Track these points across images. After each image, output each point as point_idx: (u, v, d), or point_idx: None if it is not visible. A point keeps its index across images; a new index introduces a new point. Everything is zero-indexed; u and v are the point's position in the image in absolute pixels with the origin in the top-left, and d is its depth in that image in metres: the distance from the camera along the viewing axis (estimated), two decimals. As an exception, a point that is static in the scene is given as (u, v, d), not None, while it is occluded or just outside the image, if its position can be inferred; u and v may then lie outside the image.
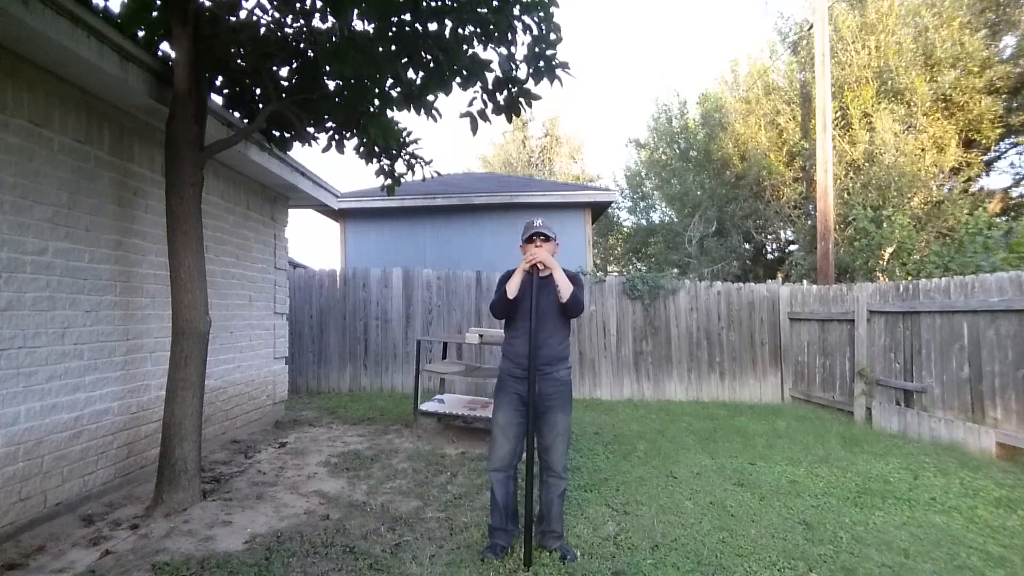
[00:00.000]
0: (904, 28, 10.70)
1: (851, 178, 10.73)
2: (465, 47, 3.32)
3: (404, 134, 4.40)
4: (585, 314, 7.84)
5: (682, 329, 7.83)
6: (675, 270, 13.49)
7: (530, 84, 3.49)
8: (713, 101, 14.58)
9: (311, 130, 4.21)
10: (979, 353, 4.87)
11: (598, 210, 11.02)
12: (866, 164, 10.52)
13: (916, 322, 5.57)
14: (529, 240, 2.80)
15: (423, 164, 4.66)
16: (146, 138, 3.76)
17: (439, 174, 4.78)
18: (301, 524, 3.09)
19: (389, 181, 4.66)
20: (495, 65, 3.40)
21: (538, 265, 2.70)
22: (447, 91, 3.47)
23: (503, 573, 2.54)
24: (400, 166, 4.64)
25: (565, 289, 2.71)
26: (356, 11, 3.20)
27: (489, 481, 2.87)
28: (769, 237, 14.49)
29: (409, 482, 3.84)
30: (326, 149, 4.23)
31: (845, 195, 10.60)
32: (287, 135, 4.31)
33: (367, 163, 4.49)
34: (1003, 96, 10.33)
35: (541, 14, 3.16)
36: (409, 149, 4.54)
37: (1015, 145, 11.24)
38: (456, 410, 5.09)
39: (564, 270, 2.80)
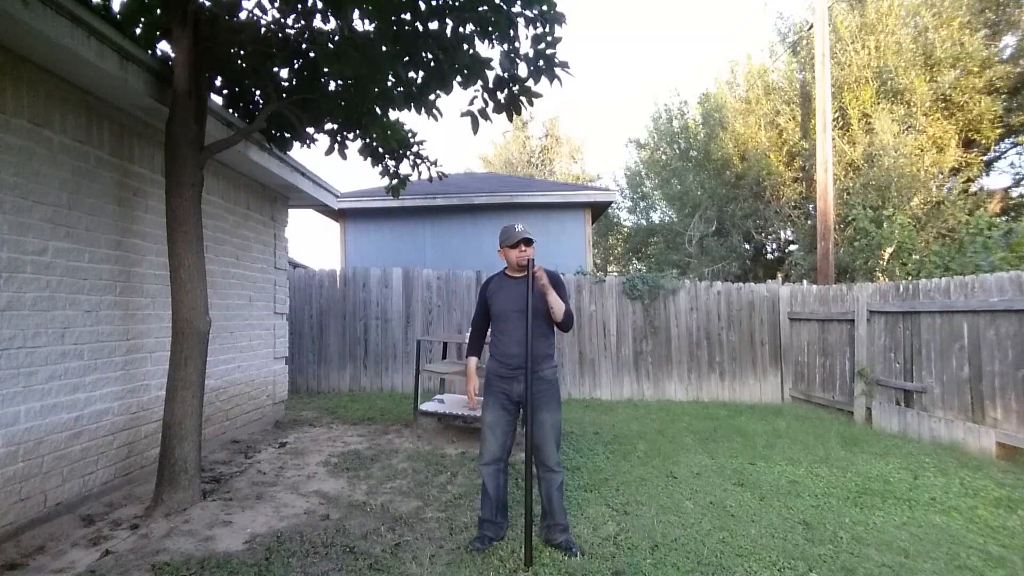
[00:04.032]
0: (904, 28, 10.70)
1: (851, 178, 10.73)
2: (465, 46, 3.32)
3: (409, 134, 4.40)
4: (585, 314, 7.84)
5: (682, 329, 7.83)
6: (675, 270, 13.48)
7: (530, 83, 3.49)
8: (713, 101, 14.58)
9: (311, 130, 4.21)
10: (979, 353, 4.87)
11: (598, 210, 11.02)
12: (866, 164, 10.52)
13: (916, 322, 5.57)
14: (515, 246, 2.86)
15: (428, 165, 4.66)
16: (146, 138, 3.76)
17: (445, 175, 4.78)
18: (301, 524, 3.09)
19: (395, 182, 4.66)
20: (496, 63, 3.40)
21: (536, 274, 2.74)
22: (448, 90, 3.47)
23: (503, 573, 2.55)
24: (405, 167, 4.64)
25: (559, 309, 2.80)
26: (357, 10, 3.20)
27: (481, 475, 2.94)
28: (769, 237, 14.49)
29: (409, 482, 3.84)
30: (328, 152, 4.23)
31: (845, 195, 10.60)
32: (287, 135, 4.31)
33: (373, 165, 4.50)
34: (1003, 96, 10.32)
35: (543, 8, 3.15)
36: (414, 149, 4.54)
37: (1015, 145, 11.24)
38: (456, 410, 5.09)
39: (545, 270, 2.86)
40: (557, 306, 2.80)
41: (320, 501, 3.47)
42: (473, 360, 3.18)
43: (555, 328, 2.98)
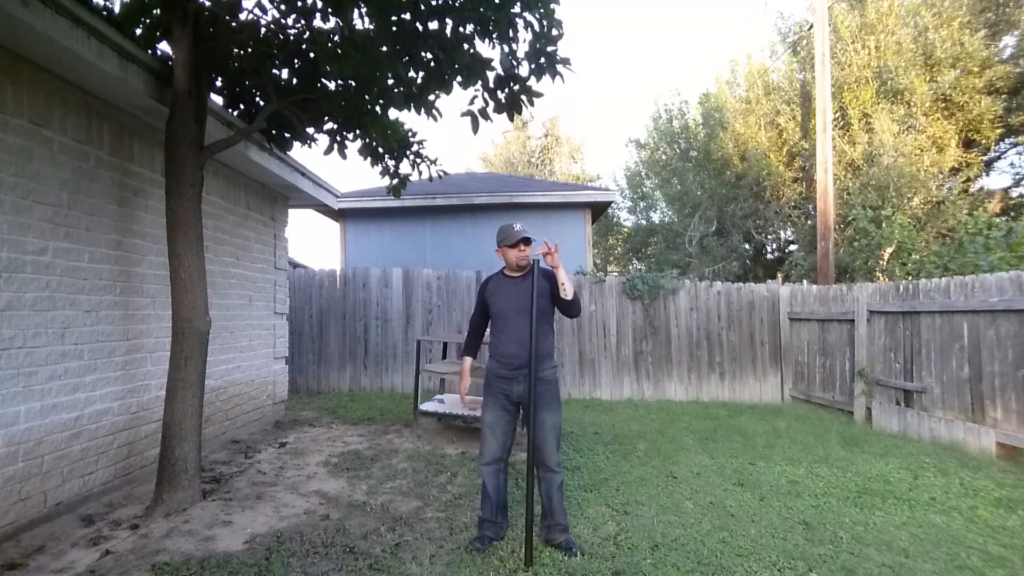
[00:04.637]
0: (904, 28, 10.70)
1: (851, 178, 10.73)
2: (466, 45, 3.32)
3: (409, 134, 4.40)
4: (585, 314, 7.84)
5: (682, 329, 7.83)
6: (675, 270, 13.49)
7: (531, 81, 3.48)
8: (714, 101, 14.58)
9: (311, 130, 4.21)
10: (979, 353, 4.87)
11: (598, 210, 11.02)
12: (865, 164, 10.52)
13: (916, 322, 5.57)
14: (514, 245, 2.85)
15: (429, 164, 4.65)
16: (146, 138, 3.76)
17: (446, 173, 4.78)
18: (301, 524, 3.09)
19: (395, 182, 4.65)
20: (496, 63, 3.40)
21: (545, 256, 2.74)
22: (448, 90, 3.47)
23: (503, 573, 2.55)
24: (405, 166, 4.64)
25: (569, 286, 2.77)
26: (356, 10, 3.20)
27: (481, 475, 2.94)
28: (769, 237, 14.48)
29: (409, 482, 3.84)
30: (328, 151, 4.23)
31: (845, 195, 10.60)
32: (287, 135, 4.31)
33: (373, 165, 4.50)
34: (1003, 96, 10.32)
35: (542, 10, 3.15)
36: (414, 149, 4.54)
37: (1015, 145, 11.23)
38: (456, 410, 5.09)
39: (543, 269, 2.87)
40: (568, 282, 2.76)
41: (320, 501, 3.47)
42: (468, 360, 3.17)
43: (553, 326, 2.97)
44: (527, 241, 2.85)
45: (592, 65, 44.65)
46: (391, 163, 4.58)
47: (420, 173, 4.73)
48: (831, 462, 4.48)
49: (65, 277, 3.12)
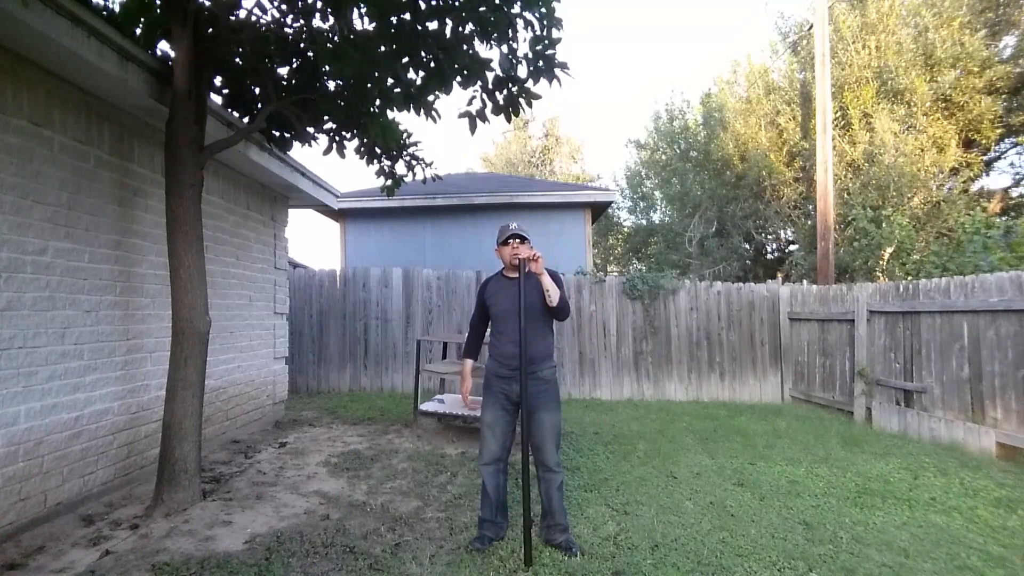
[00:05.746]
0: (904, 28, 10.70)
1: (851, 178, 10.73)
2: (465, 46, 3.32)
3: (404, 136, 4.40)
4: (585, 314, 7.84)
5: (682, 329, 7.83)
6: (675, 270, 13.49)
7: (530, 83, 3.49)
8: (714, 101, 14.58)
9: (311, 130, 4.21)
10: (979, 353, 4.87)
11: (598, 210, 11.02)
12: (866, 164, 10.52)
13: (916, 322, 5.57)
14: (505, 243, 2.87)
15: (424, 166, 4.66)
16: (146, 138, 3.76)
17: (439, 177, 4.78)
18: (301, 524, 3.09)
19: (390, 182, 4.66)
20: (495, 64, 3.40)
21: (527, 262, 2.71)
22: (447, 90, 3.47)
23: (503, 573, 2.55)
24: (400, 167, 4.64)
25: (554, 293, 2.76)
26: (356, 10, 3.20)
27: (480, 475, 2.94)
28: (769, 237, 14.48)
29: (409, 482, 3.84)
30: (327, 151, 4.24)
31: (845, 195, 10.60)
32: (287, 135, 4.32)
33: (368, 164, 4.50)
34: (1003, 96, 10.32)
35: (543, 10, 3.15)
36: (409, 150, 4.54)
37: (1015, 145, 11.23)
38: (456, 410, 5.09)
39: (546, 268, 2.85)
40: (553, 289, 2.75)
41: (320, 501, 3.47)
42: (469, 362, 3.18)
43: (553, 326, 2.97)
44: (520, 238, 2.83)
45: (592, 65, 44.68)
46: (387, 163, 4.58)
47: (414, 175, 4.74)
48: (831, 462, 4.48)
49: (65, 277, 3.12)
